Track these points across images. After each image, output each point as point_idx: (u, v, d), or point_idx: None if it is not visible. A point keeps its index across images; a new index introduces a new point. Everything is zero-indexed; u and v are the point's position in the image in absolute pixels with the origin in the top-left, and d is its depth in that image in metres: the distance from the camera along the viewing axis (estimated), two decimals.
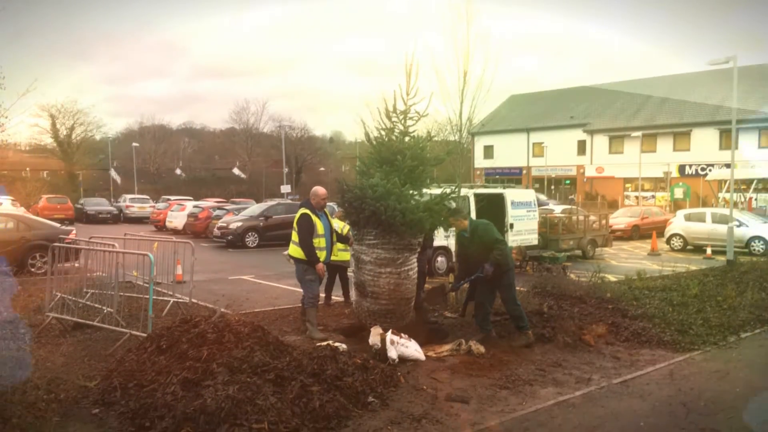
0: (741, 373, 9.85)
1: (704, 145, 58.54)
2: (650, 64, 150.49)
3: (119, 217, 54.13)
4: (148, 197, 62.21)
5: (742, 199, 39.91)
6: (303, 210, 11.52)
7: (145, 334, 9.70)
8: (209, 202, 45.56)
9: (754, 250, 28.17)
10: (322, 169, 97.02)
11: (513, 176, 72.73)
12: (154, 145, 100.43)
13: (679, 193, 55.26)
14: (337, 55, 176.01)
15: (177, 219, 40.52)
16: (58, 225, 22.80)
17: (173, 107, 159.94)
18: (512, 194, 22.38)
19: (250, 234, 31.79)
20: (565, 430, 7.31)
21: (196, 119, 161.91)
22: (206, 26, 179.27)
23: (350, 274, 13.15)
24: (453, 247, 17.34)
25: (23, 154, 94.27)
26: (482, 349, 10.29)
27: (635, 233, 37.67)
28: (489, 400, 8.29)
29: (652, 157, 58.65)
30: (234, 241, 31.33)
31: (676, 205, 52.37)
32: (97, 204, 56.27)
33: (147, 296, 10.74)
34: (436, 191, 11.89)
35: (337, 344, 9.55)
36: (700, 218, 31.20)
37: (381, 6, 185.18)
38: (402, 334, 10.04)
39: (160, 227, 43.15)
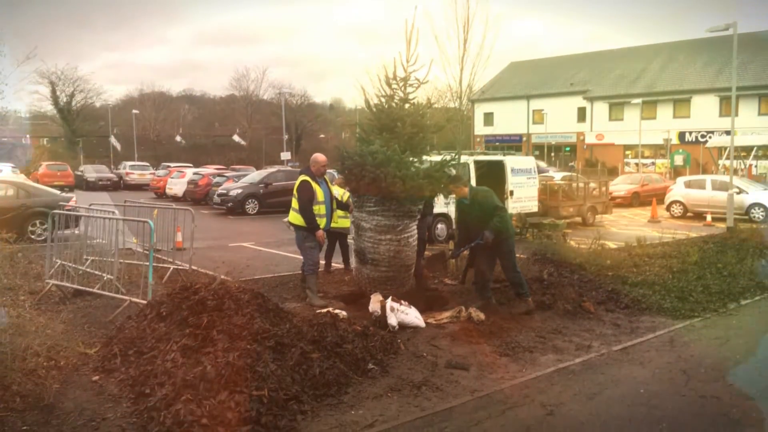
0: (741, 340, 9.87)
1: (704, 112, 58.50)
2: (651, 30, 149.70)
3: (119, 184, 54.15)
4: (148, 164, 62.17)
5: (742, 166, 39.82)
6: (303, 177, 11.48)
7: (145, 301, 9.70)
8: (209, 169, 45.49)
9: (754, 217, 28.17)
10: (322, 136, 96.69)
11: (513, 143, 72.60)
12: (154, 112, 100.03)
13: (679, 160, 55.13)
14: (337, 21, 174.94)
15: (177, 186, 40.54)
16: (58, 192, 22.76)
17: (173, 74, 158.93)
18: (512, 161, 22.37)
19: (250, 201, 31.76)
20: (565, 397, 7.32)
21: (196, 86, 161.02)
22: None
23: (350, 241, 13.16)
24: (453, 214, 17.32)
25: (23, 121, 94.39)
26: (482, 316, 10.29)
27: (635, 200, 37.63)
28: (489, 367, 8.30)
29: (652, 124, 58.58)
30: (234, 208, 31.32)
31: (676, 172, 52.25)
32: (97, 171, 56.30)
33: (147, 263, 10.73)
34: (436, 158, 11.87)
35: (337, 311, 9.55)
36: (700, 185, 31.17)
37: None
38: (402, 301, 10.05)
39: (160, 194, 43.17)
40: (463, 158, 19.50)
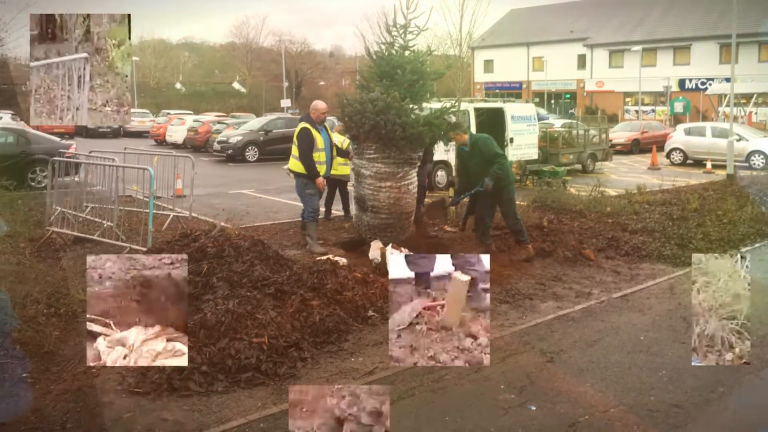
0: None
1: (704, 59, 58.33)
2: None
3: (119, 132, 53.79)
4: (147, 111, 61.80)
5: (742, 114, 39.63)
6: (303, 124, 11.41)
7: (145, 249, 9.74)
8: (209, 117, 45.23)
9: (754, 164, 28.07)
10: (322, 83, 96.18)
11: (513, 90, 72.21)
12: (154, 60, 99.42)
13: (679, 107, 54.82)
14: None
15: (177, 133, 40.27)
16: (58, 139, 22.65)
17: (173, 21, 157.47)
18: (512, 108, 22.18)
19: (250, 148, 31.58)
20: (565, 344, 7.35)
21: (196, 34, 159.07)
22: None
23: (350, 188, 13.12)
24: (453, 162, 17.27)
25: (24, 68, 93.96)
26: None
27: (635, 147, 37.47)
28: (489, 314, 8.31)
29: (652, 72, 58.30)
30: (234, 156, 31.16)
31: (676, 119, 52.06)
32: None
33: (147, 210, 10.75)
34: (436, 105, 11.80)
35: (337, 258, 9.55)
36: (700, 132, 30.98)
37: None
38: (402, 249, 10.04)
39: (160, 141, 42.93)
40: (463, 105, 19.36)
